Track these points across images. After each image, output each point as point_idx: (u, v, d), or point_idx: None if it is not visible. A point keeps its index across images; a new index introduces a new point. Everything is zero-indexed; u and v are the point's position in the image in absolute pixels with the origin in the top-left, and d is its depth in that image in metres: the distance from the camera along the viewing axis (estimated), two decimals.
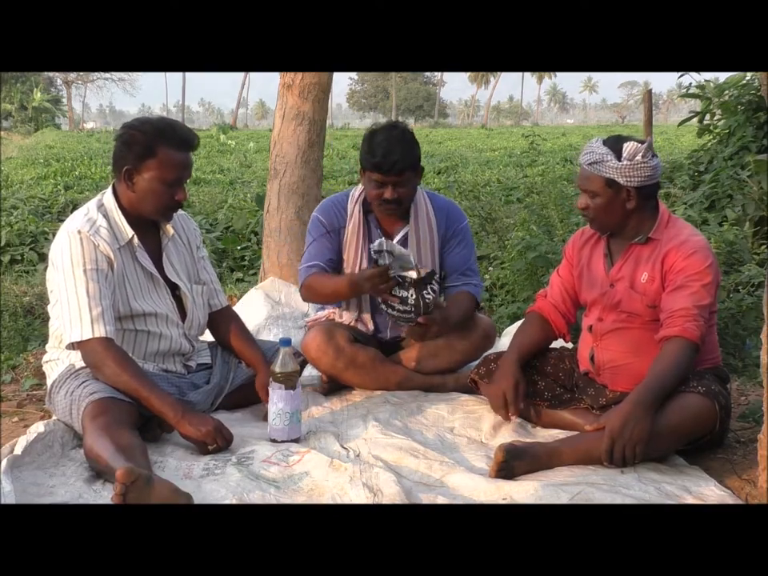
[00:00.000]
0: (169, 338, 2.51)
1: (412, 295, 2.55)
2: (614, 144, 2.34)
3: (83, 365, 2.38)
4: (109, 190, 2.49)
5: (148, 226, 2.51)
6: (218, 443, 2.26)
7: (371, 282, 2.56)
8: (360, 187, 2.91)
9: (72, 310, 2.30)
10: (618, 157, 2.31)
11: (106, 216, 2.42)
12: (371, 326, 2.95)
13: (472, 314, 2.90)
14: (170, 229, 2.56)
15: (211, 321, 2.73)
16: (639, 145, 2.32)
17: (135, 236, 2.45)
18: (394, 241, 2.83)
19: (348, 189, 3.05)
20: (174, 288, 2.56)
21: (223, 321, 2.73)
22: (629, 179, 2.32)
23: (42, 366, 3.17)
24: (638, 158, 2.30)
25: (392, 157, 2.68)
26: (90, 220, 2.39)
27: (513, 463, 2.13)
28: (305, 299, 2.97)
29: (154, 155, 2.36)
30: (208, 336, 2.78)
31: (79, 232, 2.33)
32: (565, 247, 2.70)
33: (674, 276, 2.32)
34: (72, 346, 2.32)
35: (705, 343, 2.29)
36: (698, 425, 2.20)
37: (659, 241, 2.38)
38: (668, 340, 2.25)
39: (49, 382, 2.47)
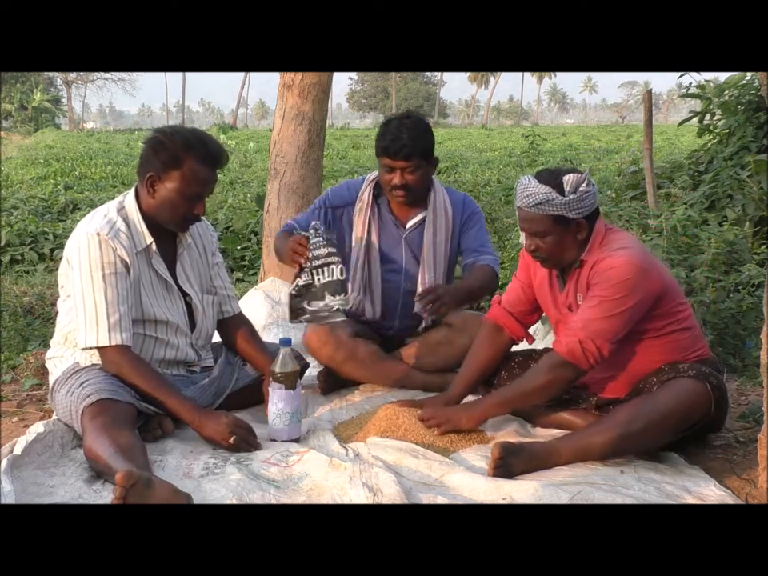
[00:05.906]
0: (176, 347, 2.51)
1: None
2: (551, 179, 2.28)
3: (88, 363, 2.38)
4: (131, 193, 2.46)
5: (166, 232, 2.49)
6: (237, 435, 2.26)
7: (291, 245, 2.58)
8: (377, 172, 2.99)
9: (88, 315, 2.29)
10: (561, 192, 2.26)
11: (125, 219, 2.40)
12: (378, 311, 2.98)
13: (491, 280, 2.87)
14: (187, 237, 2.56)
15: (222, 326, 2.73)
16: (578, 175, 2.28)
17: (154, 243, 2.44)
18: (408, 225, 2.96)
19: (368, 174, 3.14)
20: (185, 296, 2.55)
21: (234, 327, 2.72)
22: (577, 211, 2.28)
23: (42, 366, 3.17)
24: (582, 187, 2.27)
25: (400, 142, 2.77)
26: (110, 222, 2.37)
27: (509, 460, 2.13)
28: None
29: (180, 167, 2.34)
30: (215, 337, 2.77)
31: (98, 234, 2.31)
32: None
33: (588, 293, 2.31)
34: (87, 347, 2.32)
35: (605, 354, 2.23)
36: (693, 408, 2.18)
37: (587, 262, 2.34)
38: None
39: (51, 379, 2.46)
